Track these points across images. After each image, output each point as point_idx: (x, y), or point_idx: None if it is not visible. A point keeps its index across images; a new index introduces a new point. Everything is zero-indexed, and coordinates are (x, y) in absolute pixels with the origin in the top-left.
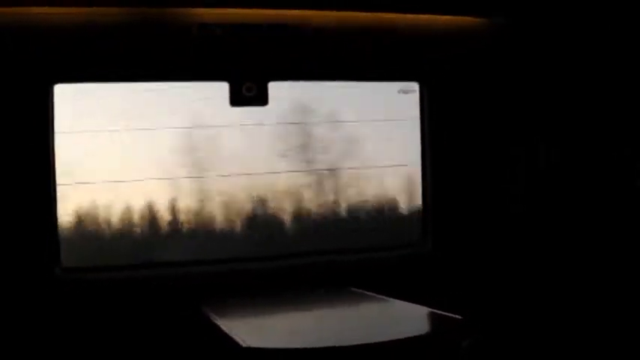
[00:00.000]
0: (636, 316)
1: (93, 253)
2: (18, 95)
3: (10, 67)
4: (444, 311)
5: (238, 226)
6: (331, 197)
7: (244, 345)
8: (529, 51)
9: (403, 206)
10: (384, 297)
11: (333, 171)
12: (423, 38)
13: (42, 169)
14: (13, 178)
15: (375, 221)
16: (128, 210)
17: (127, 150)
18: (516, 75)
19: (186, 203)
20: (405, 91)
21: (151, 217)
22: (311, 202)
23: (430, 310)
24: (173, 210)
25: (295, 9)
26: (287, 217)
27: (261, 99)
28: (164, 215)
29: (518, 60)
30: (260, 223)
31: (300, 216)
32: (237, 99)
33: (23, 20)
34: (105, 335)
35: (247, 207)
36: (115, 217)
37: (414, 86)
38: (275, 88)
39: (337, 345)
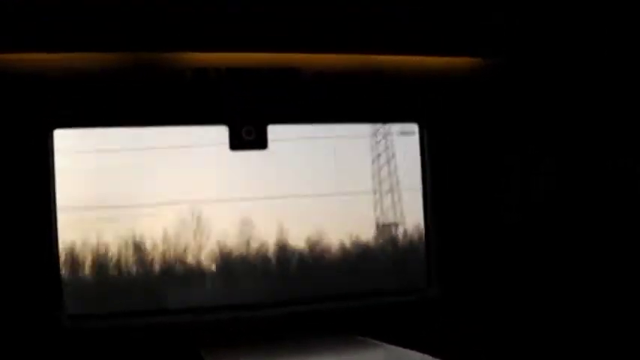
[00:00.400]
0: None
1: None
2: (18, 141)
3: (11, 112)
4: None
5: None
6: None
7: None
8: (524, 87)
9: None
10: (389, 345)
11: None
12: (421, 80)
13: (43, 214)
14: (15, 224)
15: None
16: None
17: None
18: (512, 109)
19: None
20: (406, 133)
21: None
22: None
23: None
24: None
25: (292, 52)
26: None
27: (261, 142)
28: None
29: (513, 96)
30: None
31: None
32: (237, 143)
33: (21, 66)
34: None
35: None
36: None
37: (414, 128)
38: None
39: None
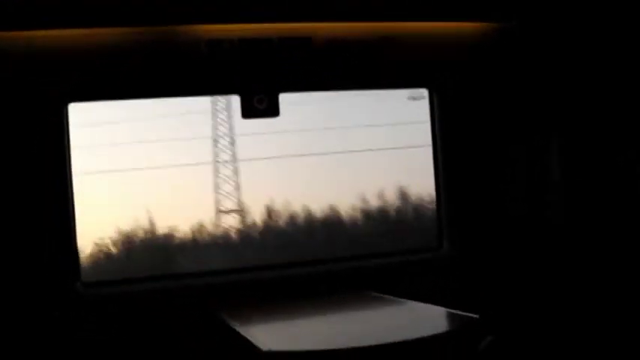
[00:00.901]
0: None
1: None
2: (34, 115)
3: (26, 87)
4: (463, 312)
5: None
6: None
7: (265, 349)
8: (537, 54)
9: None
10: (402, 300)
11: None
12: (431, 45)
13: (59, 186)
14: (32, 195)
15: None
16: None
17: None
18: (524, 77)
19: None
20: (415, 98)
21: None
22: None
23: (448, 310)
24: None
25: (303, 21)
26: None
27: (273, 110)
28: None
29: (526, 63)
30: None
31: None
32: (249, 111)
33: (37, 41)
34: (126, 347)
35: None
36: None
37: (424, 93)
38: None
39: (357, 346)
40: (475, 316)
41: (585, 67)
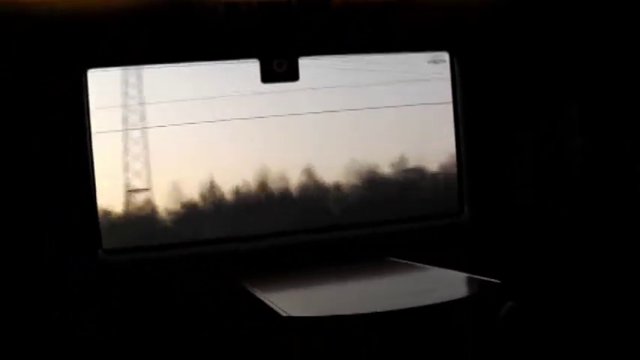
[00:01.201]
0: None
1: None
2: (53, 81)
3: (44, 53)
4: (484, 277)
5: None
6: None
7: (285, 314)
8: (559, 19)
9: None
10: (423, 265)
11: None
12: (452, 8)
13: (80, 153)
14: (52, 163)
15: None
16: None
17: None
18: (547, 42)
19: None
20: (436, 62)
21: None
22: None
23: (468, 275)
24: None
25: None
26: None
27: (292, 75)
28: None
29: (549, 28)
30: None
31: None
32: (269, 75)
33: (55, 6)
34: (146, 314)
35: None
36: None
37: (444, 56)
38: None
39: (376, 311)
40: (496, 281)
41: (611, 39)
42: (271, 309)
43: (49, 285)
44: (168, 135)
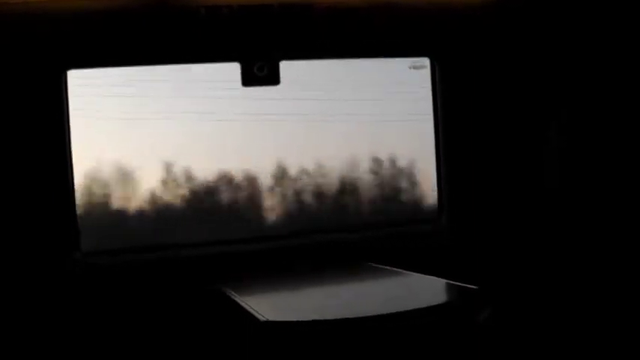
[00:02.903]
0: None
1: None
2: (31, 82)
3: (23, 53)
4: (462, 283)
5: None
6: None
7: (263, 319)
8: (542, 24)
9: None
10: (401, 270)
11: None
12: (434, 13)
13: (58, 154)
14: (30, 164)
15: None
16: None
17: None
18: (528, 49)
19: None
20: (416, 67)
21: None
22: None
23: (447, 281)
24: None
25: None
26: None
27: (273, 79)
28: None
29: (531, 33)
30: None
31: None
32: (249, 79)
33: (34, 6)
34: (124, 317)
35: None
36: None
37: (425, 62)
38: None
39: (355, 316)
40: (474, 287)
41: (591, 42)
42: (250, 313)
43: (26, 287)
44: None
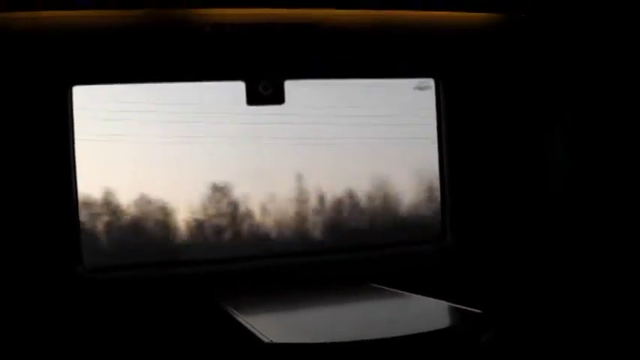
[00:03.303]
0: None
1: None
2: (37, 98)
3: (29, 70)
4: (465, 306)
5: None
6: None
7: (266, 341)
8: (544, 45)
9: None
10: (404, 292)
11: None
12: (438, 34)
13: (63, 169)
14: (35, 179)
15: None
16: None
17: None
18: (531, 69)
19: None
20: (421, 88)
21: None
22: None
23: (450, 304)
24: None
25: (310, 8)
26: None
27: (278, 98)
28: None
29: (535, 54)
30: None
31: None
32: (254, 98)
33: (41, 23)
34: (127, 333)
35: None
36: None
37: (430, 83)
38: None
39: (358, 339)
40: (477, 310)
41: (592, 60)
42: (253, 334)
43: (29, 301)
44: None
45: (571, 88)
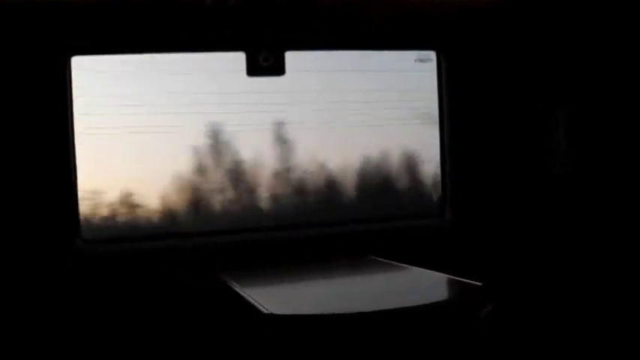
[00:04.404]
0: None
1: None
2: (36, 68)
3: (28, 40)
4: (464, 279)
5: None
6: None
7: (266, 312)
8: (547, 18)
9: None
10: (404, 265)
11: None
12: (439, 6)
13: (61, 141)
14: (33, 150)
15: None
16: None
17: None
18: (534, 42)
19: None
20: (423, 60)
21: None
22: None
23: (450, 277)
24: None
25: None
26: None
27: (278, 69)
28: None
29: (536, 28)
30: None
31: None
32: (254, 69)
33: None
34: (125, 306)
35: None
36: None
37: (431, 55)
38: None
39: (358, 311)
40: (477, 283)
41: (596, 35)
42: (252, 305)
43: (27, 274)
44: None
45: (575, 71)
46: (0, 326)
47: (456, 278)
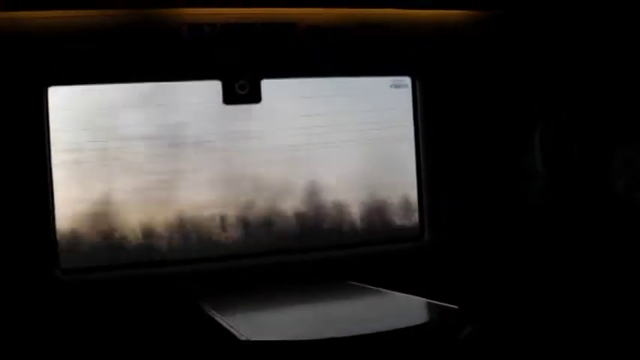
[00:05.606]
0: None
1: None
2: (13, 98)
3: (5, 70)
4: (442, 302)
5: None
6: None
7: (243, 338)
8: (522, 42)
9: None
10: (381, 289)
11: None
12: (415, 32)
13: (39, 171)
14: (10, 180)
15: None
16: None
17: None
18: (509, 67)
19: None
20: (398, 86)
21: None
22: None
23: (427, 300)
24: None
25: (286, 7)
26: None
27: (255, 97)
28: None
29: (512, 51)
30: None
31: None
32: (230, 97)
33: (17, 24)
34: (105, 334)
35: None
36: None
37: (406, 81)
38: None
39: (336, 336)
40: (454, 306)
41: (572, 58)
42: (230, 332)
43: (6, 304)
44: None
45: (551, 89)
46: None
47: (433, 302)
